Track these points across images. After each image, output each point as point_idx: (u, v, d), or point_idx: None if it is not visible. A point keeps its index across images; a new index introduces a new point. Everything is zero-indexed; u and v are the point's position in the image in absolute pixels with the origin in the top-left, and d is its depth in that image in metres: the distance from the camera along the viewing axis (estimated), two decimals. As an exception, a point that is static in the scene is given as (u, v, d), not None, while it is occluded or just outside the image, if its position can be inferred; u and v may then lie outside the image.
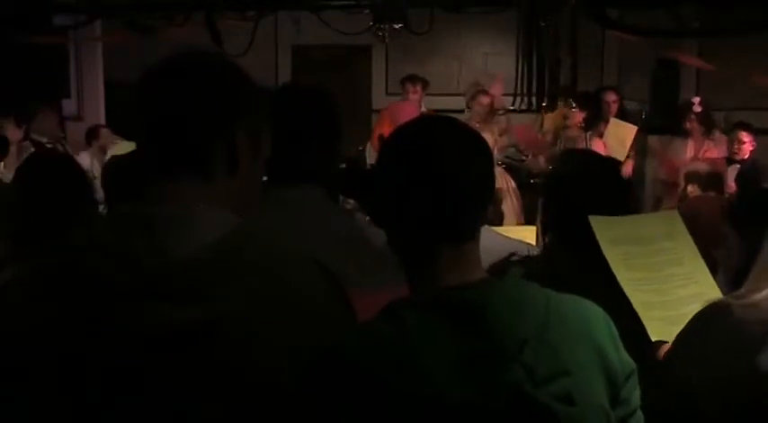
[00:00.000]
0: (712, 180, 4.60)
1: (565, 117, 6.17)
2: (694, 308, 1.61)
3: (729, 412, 1.40)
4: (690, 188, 4.62)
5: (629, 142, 6.27)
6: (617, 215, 2.15)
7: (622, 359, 1.28)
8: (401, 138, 1.32)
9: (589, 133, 6.19)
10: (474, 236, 1.28)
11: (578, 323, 1.25)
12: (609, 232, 2.00)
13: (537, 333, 1.19)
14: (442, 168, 1.24)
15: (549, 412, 1.15)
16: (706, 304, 1.54)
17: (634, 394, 1.30)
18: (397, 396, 1.14)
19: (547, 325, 1.20)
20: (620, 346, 1.29)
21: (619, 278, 1.93)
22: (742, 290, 1.49)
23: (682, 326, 1.58)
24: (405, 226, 1.27)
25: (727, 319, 1.43)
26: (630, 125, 6.36)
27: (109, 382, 1.15)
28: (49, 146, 6.00)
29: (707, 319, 1.51)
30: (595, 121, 6.40)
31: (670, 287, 1.97)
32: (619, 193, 2.31)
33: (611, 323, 1.30)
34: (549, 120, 6.44)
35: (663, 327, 1.88)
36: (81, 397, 1.16)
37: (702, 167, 4.78)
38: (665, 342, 1.85)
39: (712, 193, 4.41)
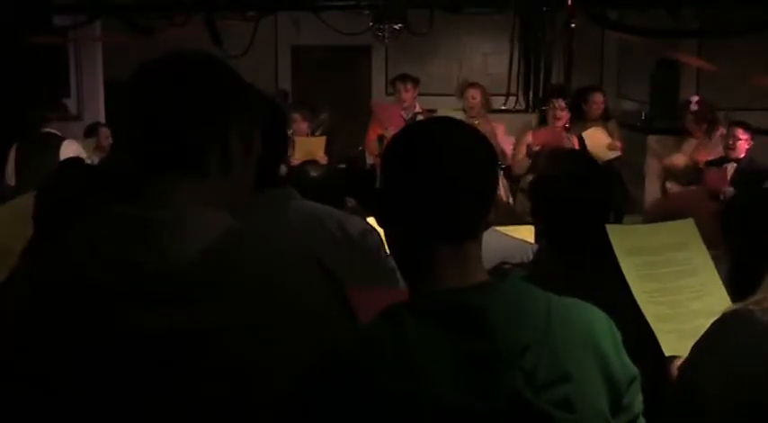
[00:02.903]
0: (688, 172, 4.42)
1: (557, 117, 6.12)
2: (706, 321, 1.59)
3: (750, 418, 1.39)
4: (668, 184, 4.47)
5: (606, 142, 6.28)
6: (603, 215, 2.16)
7: (625, 365, 1.27)
8: (408, 138, 1.31)
9: (569, 134, 6.17)
10: (477, 237, 1.27)
11: (581, 328, 1.24)
12: (625, 242, 1.99)
13: (538, 337, 1.18)
14: (450, 168, 1.23)
15: (547, 419, 1.14)
16: (717, 316, 1.52)
17: (636, 400, 1.29)
18: (396, 400, 1.13)
19: (548, 329, 1.19)
20: (623, 351, 1.28)
21: (633, 290, 1.92)
22: (758, 296, 1.48)
23: (693, 339, 1.57)
24: (409, 225, 1.26)
25: (750, 325, 1.42)
26: (598, 128, 6.37)
27: (108, 386, 1.15)
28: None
29: (728, 325, 1.49)
30: (577, 121, 6.39)
31: (683, 299, 1.96)
32: (606, 194, 2.30)
33: (615, 328, 1.29)
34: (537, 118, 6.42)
35: (675, 341, 1.87)
36: (80, 402, 1.15)
37: (678, 161, 4.60)
38: (678, 357, 1.83)
39: (693, 187, 4.27)
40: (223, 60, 1.35)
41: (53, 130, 6.20)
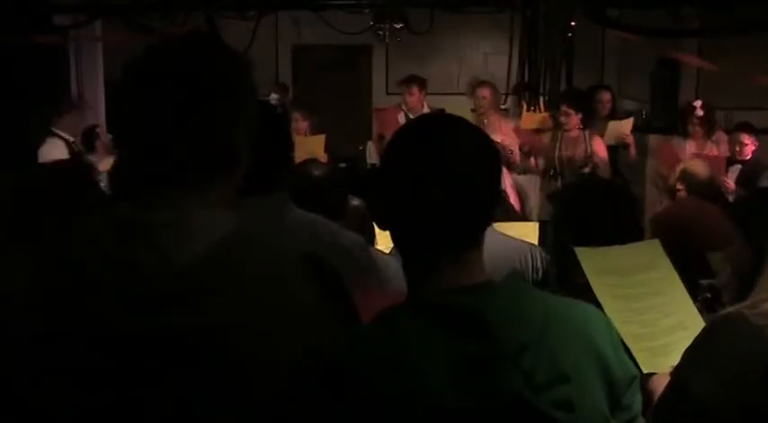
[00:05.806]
0: (705, 187, 4.36)
1: (563, 123, 6.16)
2: (677, 337, 1.61)
3: (744, 419, 1.40)
4: (679, 185, 4.40)
5: (627, 131, 6.43)
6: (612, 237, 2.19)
7: (624, 365, 1.27)
8: (412, 136, 1.28)
9: (587, 132, 6.21)
10: (480, 238, 1.26)
11: (579, 328, 1.24)
12: (595, 264, 2.04)
13: (536, 338, 1.17)
14: (457, 168, 1.21)
15: (547, 419, 1.14)
16: (689, 332, 1.55)
17: (636, 400, 1.28)
18: (393, 402, 1.13)
19: (546, 330, 1.19)
20: (622, 351, 1.28)
21: (605, 310, 1.95)
22: (750, 300, 1.49)
23: (667, 356, 1.59)
24: (413, 226, 1.24)
25: (743, 328, 1.43)
26: (626, 120, 6.53)
27: (111, 390, 1.15)
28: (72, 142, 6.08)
29: (721, 329, 1.50)
30: (591, 120, 6.44)
31: (652, 318, 2.01)
32: (629, 219, 2.35)
33: (613, 328, 1.29)
34: (529, 119, 6.43)
35: (650, 358, 1.90)
36: (83, 405, 1.15)
37: (701, 171, 4.43)
38: (655, 374, 1.85)
39: (695, 198, 4.23)
40: (222, 45, 1.30)
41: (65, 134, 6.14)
